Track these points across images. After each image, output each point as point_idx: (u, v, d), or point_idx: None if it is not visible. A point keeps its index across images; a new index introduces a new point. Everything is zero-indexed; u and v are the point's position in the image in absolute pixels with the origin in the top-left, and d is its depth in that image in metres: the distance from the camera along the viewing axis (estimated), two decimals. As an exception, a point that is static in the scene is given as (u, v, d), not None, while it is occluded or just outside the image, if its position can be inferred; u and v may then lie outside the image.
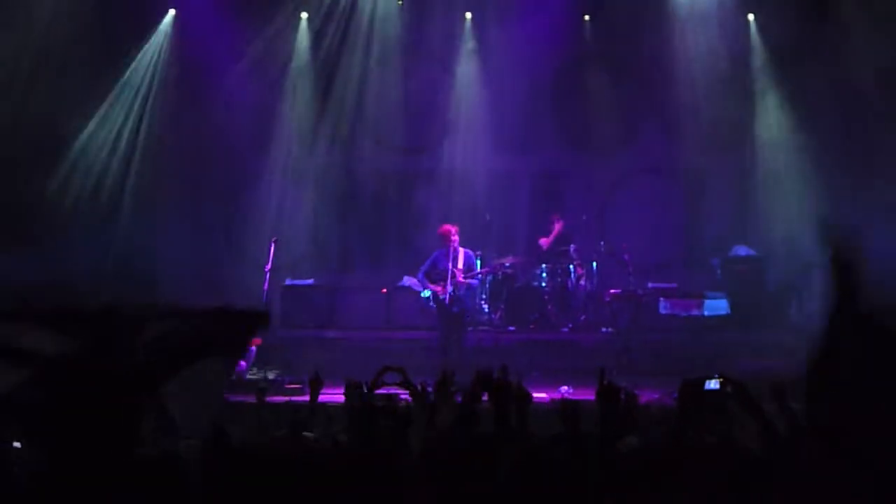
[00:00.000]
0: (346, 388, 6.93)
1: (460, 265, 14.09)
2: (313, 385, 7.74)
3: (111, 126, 16.92)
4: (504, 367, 6.04)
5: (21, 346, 5.27)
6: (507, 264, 16.58)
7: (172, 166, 17.15)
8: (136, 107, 17.15)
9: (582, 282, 16.51)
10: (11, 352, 5.25)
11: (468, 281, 14.16)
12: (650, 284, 15.64)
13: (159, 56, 17.39)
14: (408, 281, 15.91)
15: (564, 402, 6.27)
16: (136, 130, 17.08)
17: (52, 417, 5.02)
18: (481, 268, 15.99)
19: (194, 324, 5.48)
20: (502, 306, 16.48)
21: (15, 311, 5.06)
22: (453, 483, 4.36)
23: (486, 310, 16.48)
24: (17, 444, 5.09)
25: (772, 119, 17.44)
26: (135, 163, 16.92)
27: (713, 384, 5.30)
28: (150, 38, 17.38)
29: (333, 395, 12.63)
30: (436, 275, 14.08)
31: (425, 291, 14.28)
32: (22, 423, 4.93)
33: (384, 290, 16.59)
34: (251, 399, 9.94)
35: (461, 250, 14.19)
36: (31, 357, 5.26)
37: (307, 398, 12.90)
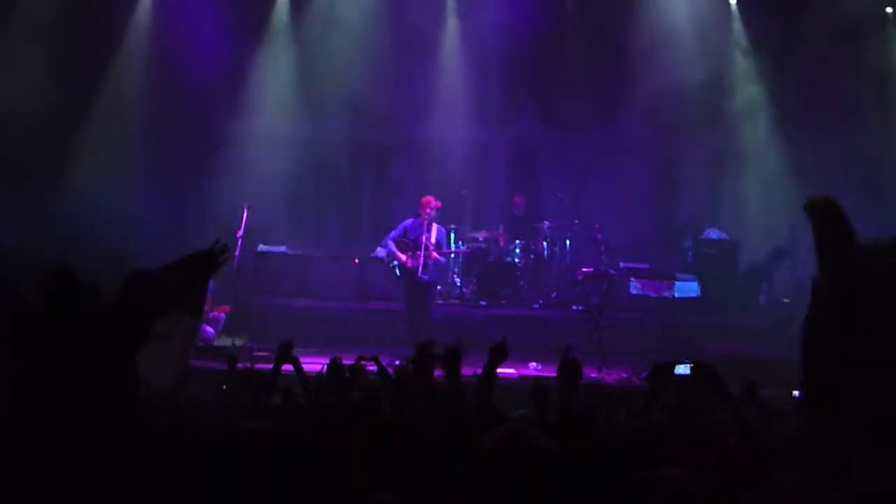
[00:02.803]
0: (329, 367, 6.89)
1: (433, 239, 14.02)
2: (279, 353, 7.70)
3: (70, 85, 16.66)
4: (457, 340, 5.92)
5: None
6: (481, 239, 16.59)
7: (144, 129, 16.97)
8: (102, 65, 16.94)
9: (555, 258, 16.59)
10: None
11: (438, 257, 14.09)
12: (622, 264, 15.67)
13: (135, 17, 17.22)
14: (381, 252, 15.86)
15: (536, 382, 6.27)
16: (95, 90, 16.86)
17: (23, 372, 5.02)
18: (455, 243, 15.98)
19: (157, 277, 5.47)
20: (474, 280, 16.50)
21: None
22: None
23: (458, 284, 16.50)
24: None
25: (749, 102, 17.46)
26: (94, 122, 16.69)
27: (684, 369, 5.30)
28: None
29: (305, 365, 12.67)
30: (405, 244, 13.98)
31: (392, 260, 14.12)
32: None
33: (356, 261, 16.55)
34: (220, 366, 9.93)
35: (434, 225, 14.11)
36: None
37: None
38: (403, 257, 13.87)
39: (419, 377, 6.16)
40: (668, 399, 5.70)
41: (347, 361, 11.72)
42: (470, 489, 2.78)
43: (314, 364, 12.66)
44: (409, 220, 14.21)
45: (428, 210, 13.92)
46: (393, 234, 14.16)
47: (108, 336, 5.11)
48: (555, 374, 11.82)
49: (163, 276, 5.56)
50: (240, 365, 8.33)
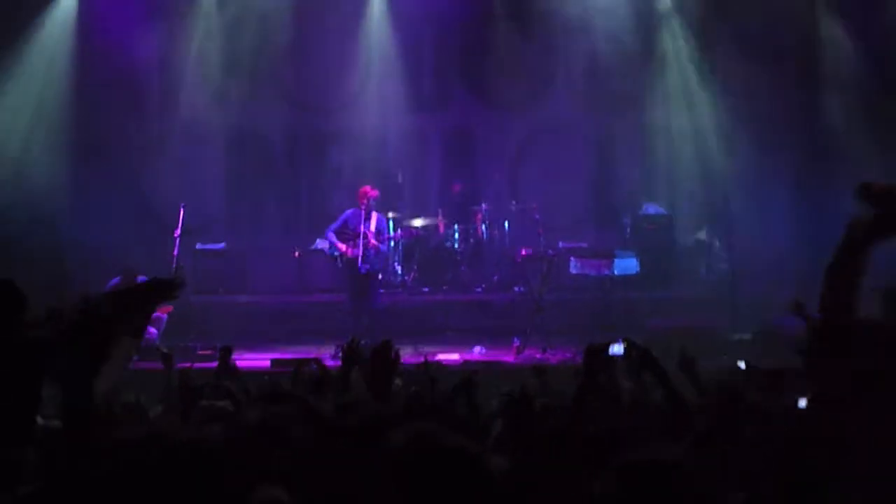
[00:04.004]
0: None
1: (372, 227, 13.99)
2: (223, 354, 7.68)
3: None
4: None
5: None
6: (419, 226, 16.59)
7: (77, 126, 16.75)
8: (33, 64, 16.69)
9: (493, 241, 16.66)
10: None
11: (378, 245, 14.07)
12: (561, 244, 15.73)
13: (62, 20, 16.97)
14: (320, 244, 15.82)
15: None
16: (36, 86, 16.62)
17: None
18: (393, 231, 15.97)
19: (99, 305, 5.46)
20: (415, 267, 16.51)
21: None
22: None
23: (400, 271, 16.49)
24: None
25: (679, 75, 17.59)
26: (23, 116, 16.46)
27: (617, 348, 5.33)
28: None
29: (249, 361, 12.66)
30: (346, 234, 13.94)
31: (333, 250, 14.09)
32: None
33: (297, 254, 16.49)
34: (161, 367, 9.86)
35: (374, 214, 14.09)
36: None
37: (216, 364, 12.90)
38: (343, 247, 13.84)
39: (342, 373, 6.16)
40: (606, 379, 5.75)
41: (292, 356, 11.77)
42: (375, 485, 2.74)
43: (259, 360, 12.74)
44: (349, 211, 14.16)
45: (366, 200, 13.89)
46: (333, 225, 14.10)
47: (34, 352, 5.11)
48: (498, 360, 11.92)
49: (110, 301, 5.55)
50: (180, 364, 8.29)
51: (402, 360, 6.09)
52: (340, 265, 14.01)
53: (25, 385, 5.17)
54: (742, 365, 7.51)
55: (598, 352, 4.91)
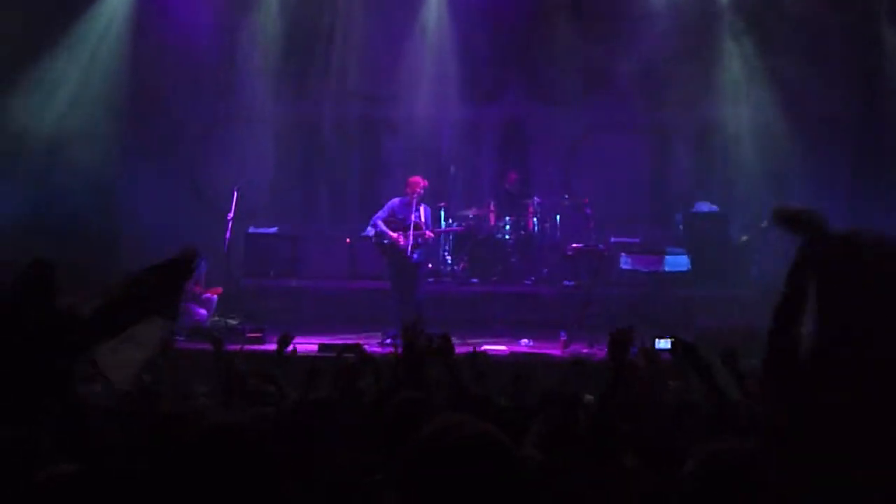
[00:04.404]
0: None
1: (422, 219, 13.98)
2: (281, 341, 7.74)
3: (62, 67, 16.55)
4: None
5: None
6: (471, 216, 16.58)
7: (133, 110, 16.92)
8: (90, 46, 16.82)
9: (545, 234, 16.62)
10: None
11: (430, 235, 14.06)
12: (613, 239, 15.68)
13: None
14: (370, 231, 15.85)
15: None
16: (91, 70, 16.74)
17: None
18: (445, 221, 15.98)
19: (131, 285, 5.56)
20: (465, 258, 16.51)
21: None
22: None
23: (449, 262, 16.50)
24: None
25: (735, 72, 17.42)
26: (88, 105, 16.59)
27: (664, 343, 5.29)
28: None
29: (297, 345, 12.69)
30: (394, 224, 13.94)
31: (382, 238, 13.98)
32: None
33: (348, 241, 16.55)
34: (210, 347, 9.95)
35: (422, 205, 14.06)
36: None
37: (266, 347, 13.02)
38: (395, 235, 13.80)
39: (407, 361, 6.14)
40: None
41: (338, 341, 11.82)
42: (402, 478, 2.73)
43: (307, 344, 12.81)
44: (396, 200, 14.13)
45: (417, 190, 13.87)
46: (380, 213, 14.04)
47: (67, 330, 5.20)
48: (545, 352, 11.89)
49: (138, 282, 5.65)
50: (230, 347, 8.35)
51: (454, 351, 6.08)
52: (386, 254, 13.96)
53: (53, 362, 5.24)
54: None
55: (621, 342, 4.81)
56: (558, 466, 4.08)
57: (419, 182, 13.94)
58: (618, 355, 4.75)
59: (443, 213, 16.04)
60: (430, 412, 4.56)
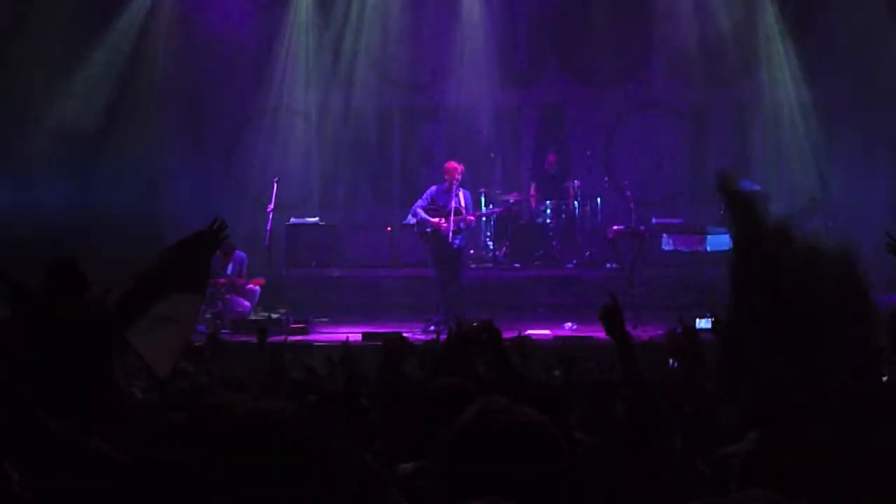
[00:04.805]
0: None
1: (462, 203, 13.99)
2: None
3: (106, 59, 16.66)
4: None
5: None
6: (512, 201, 16.56)
7: (174, 102, 17.05)
8: (131, 39, 16.92)
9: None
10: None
11: (470, 220, 14.07)
12: (654, 220, 15.61)
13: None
14: (411, 219, 15.88)
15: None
16: (132, 63, 16.85)
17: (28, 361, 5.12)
18: (486, 206, 15.99)
19: (157, 263, 5.58)
20: (507, 243, 16.51)
21: None
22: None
23: (491, 247, 16.50)
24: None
25: (777, 52, 17.26)
26: (130, 97, 16.71)
27: (705, 323, 5.26)
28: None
29: (341, 334, 12.79)
30: (434, 211, 13.95)
31: (425, 227, 13.99)
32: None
33: (389, 229, 16.59)
34: (255, 339, 10.00)
35: (461, 190, 14.06)
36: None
37: (310, 338, 13.09)
38: (436, 221, 13.79)
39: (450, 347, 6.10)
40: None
41: (382, 329, 11.85)
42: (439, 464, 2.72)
43: (351, 333, 12.86)
44: (434, 188, 14.14)
45: (455, 175, 13.88)
46: (420, 202, 14.05)
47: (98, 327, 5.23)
48: (589, 335, 11.83)
49: (163, 259, 5.67)
50: (273, 338, 8.39)
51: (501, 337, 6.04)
52: (429, 241, 13.98)
53: (84, 360, 5.26)
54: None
55: (607, 317, 4.66)
56: (604, 450, 4.07)
57: (456, 168, 13.95)
58: (612, 331, 4.63)
59: (483, 199, 16.03)
60: (471, 398, 4.56)
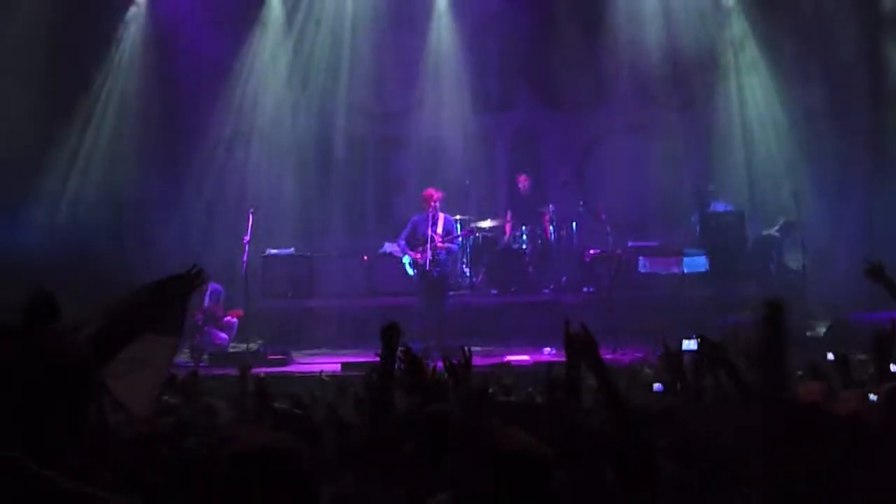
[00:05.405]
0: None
1: (439, 230, 14.03)
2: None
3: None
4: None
5: None
6: (487, 227, 16.56)
7: (145, 136, 17.00)
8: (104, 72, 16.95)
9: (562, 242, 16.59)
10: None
11: (447, 245, 14.13)
12: (630, 243, 15.66)
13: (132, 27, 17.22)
14: (388, 247, 15.86)
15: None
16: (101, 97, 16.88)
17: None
18: (461, 230, 16.00)
19: (130, 302, 5.55)
20: (483, 270, 16.49)
21: None
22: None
23: (468, 274, 16.48)
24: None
25: (747, 73, 17.40)
26: (96, 130, 16.73)
27: (691, 345, 5.26)
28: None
29: (319, 365, 12.75)
30: (416, 241, 14.01)
31: (405, 258, 14.21)
32: None
33: (365, 258, 16.55)
34: (235, 371, 9.94)
35: (441, 215, 14.13)
36: None
37: (289, 369, 13.03)
38: (415, 255, 13.94)
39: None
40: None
41: (362, 359, 11.79)
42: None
43: (330, 364, 12.83)
44: (416, 217, 14.26)
45: (431, 203, 13.93)
46: (404, 232, 14.24)
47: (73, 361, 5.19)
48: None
49: (137, 299, 5.64)
50: (254, 370, 8.35)
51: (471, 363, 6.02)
52: (415, 271, 14.12)
53: (60, 395, 5.21)
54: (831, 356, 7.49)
55: (576, 342, 4.63)
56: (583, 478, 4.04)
57: (433, 195, 14.01)
58: (578, 359, 4.59)
59: (458, 227, 16.05)
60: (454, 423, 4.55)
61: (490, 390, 6.52)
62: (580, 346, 4.52)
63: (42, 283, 5.90)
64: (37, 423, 4.91)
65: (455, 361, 5.48)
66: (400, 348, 5.36)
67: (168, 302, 5.81)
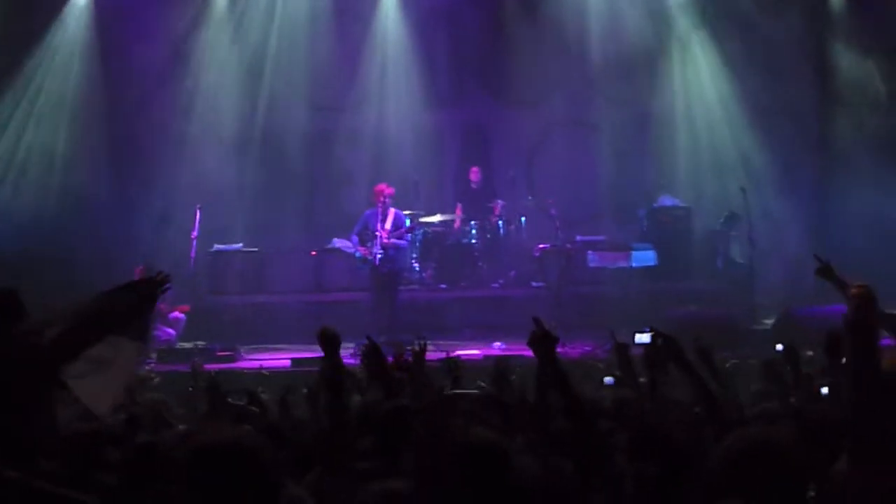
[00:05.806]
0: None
1: (388, 225, 14.03)
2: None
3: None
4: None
5: None
6: (437, 222, 16.54)
7: (91, 133, 16.81)
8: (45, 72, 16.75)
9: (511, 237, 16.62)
10: None
11: (395, 242, 14.12)
12: (578, 238, 15.72)
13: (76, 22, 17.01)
14: (337, 243, 15.83)
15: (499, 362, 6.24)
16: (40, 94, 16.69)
17: None
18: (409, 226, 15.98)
19: (97, 306, 5.51)
20: (433, 264, 16.47)
21: None
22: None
23: (418, 268, 16.44)
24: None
25: (694, 68, 17.52)
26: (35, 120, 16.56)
27: (644, 338, 5.28)
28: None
29: (269, 361, 12.71)
30: (367, 236, 14.01)
31: (357, 253, 14.22)
32: None
33: (314, 253, 16.47)
34: (184, 368, 9.88)
35: (391, 210, 14.12)
36: None
37: (238, 365, 12.97)
38: (363, 250, 13.98)
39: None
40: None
41: (312, 355, 11.74)
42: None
43: (279, 360, 12.79)
44: (367, 212, 14.30)
45: (381, 198, 13.93)
46: (356, 227, 14.26)
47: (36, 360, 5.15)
48: (520, 353, 11.83)
49: (104, 302, 5.61)
50: (206, 367, 8.30)
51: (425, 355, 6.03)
52: (363, 266, 14.17)
53: (24, 391, 5.19)
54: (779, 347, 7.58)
55: (542, 340, 4.64)
56: (553, 471, 4.04)
57: (383, 190, 14.02)
58: (546, 357, 4.61)
59: (408, 222, 16.01)
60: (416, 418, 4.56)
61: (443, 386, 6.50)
62: (545, 345, 4.52)
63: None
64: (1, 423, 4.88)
65: (408, 357, 5.47)
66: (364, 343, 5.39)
67: (134, 306, 5.79)
